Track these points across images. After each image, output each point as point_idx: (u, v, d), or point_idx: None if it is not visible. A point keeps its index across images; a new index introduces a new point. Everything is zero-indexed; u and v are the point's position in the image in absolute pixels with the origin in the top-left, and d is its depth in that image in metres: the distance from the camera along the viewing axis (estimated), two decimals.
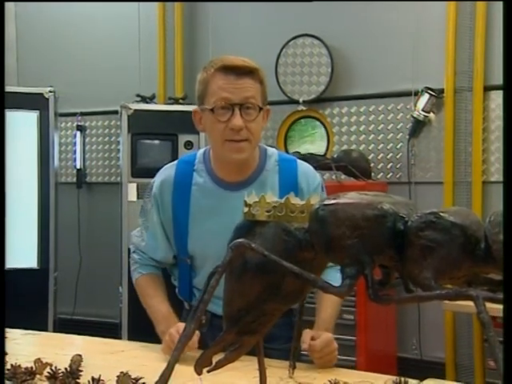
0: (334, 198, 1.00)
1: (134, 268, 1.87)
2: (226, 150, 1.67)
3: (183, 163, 1.80)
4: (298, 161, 1.81)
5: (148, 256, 1.84)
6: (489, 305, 0.83)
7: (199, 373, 1.10)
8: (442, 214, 0.90)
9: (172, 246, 1.82)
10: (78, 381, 1.33)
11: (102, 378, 1.28)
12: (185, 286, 1.81)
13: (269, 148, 1.81)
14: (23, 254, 3.84)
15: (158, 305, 1.78)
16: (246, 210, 1.07)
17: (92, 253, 4.57)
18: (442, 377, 3.36)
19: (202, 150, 1.81)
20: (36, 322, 3.30)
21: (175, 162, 1.83)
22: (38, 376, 1.35)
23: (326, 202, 1.00)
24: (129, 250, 2.08)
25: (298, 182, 1.74)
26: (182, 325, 1.64)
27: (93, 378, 1.26)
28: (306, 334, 1.61)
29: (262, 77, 1.68)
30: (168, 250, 1.82)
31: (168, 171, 1.80)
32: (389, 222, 0.94)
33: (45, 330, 3.56)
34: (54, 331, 3.68)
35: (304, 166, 1.79)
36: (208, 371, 1.11)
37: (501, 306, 0.86)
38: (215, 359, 1.11)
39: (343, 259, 0.98)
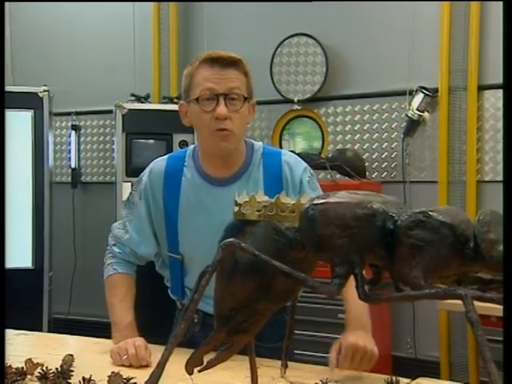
0: (324, 198, 1.00)
1: (110, 262, 1.83)
2: (212, 140, 1.66)
3: (174, 158, 1.79)
4: (283, 152, 1.79)
5: (129, 250, 1.81)
6: (479, 304, 0.83)
7: (190, 372, 1.10)
8: (431, 213, 0.90)
9: (160, 241, 1.79)
10: (69, 381, 1.32)
11: (93, 377, 1.27)
12: (177, 285, 1.80)
13: (255, 142, 1.79)
14: (18, 253, 3.83)
15: (124, 312, 1.76)
16: (236, 209, 1.07)
17: (87, 252, 4.56)
18: (437, 376, 3.36)
19: (191, 146, 1.80)
20: (31, 322, 3.29)
21: (165, 157, 1.82)
22: (28, 376, 1.35)
23: (315, 202, 1.00)
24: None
25: (281, 176, 1.73)
26: (139, 339, 1.63)
27: (83, 378, 1.26)
28: (332, 350, 1.54)
29: (247, 69, 1.68)
30: (152, 245, 1.80)
31: (158, 164, 1.79)
32: (378, 221, 0.94)
33: (39, 329, 3.55)
34: (49, 331, 3.67)
35: (287, 157, 1.76)
36: (199, 371, 1.11)
37: (490, 305, 0.86)
38: (206, 359, 1.11)
39: (333, 258, 0.98)
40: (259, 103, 1.75)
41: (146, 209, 1.77)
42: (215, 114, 1.62)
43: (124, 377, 1.29)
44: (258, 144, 1.79)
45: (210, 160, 1.73)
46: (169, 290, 1.85)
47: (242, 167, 1.73)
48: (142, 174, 1.81)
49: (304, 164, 1.77)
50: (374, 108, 3.80)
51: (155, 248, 1.81)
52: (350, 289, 1.60)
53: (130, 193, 1.84)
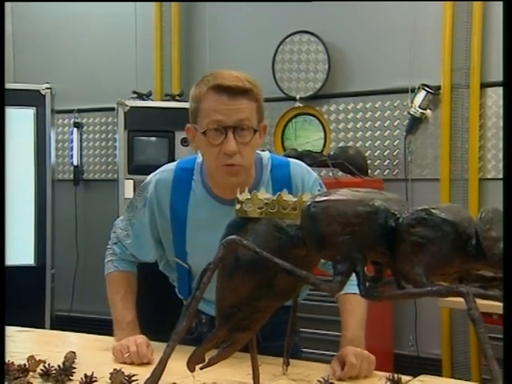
0: (326, 195, 1.00)
1: (111, 259, 1.83)
2: (220, 174, 1.62)
3: (182, 171, 1.74)
4: (291, 163, 1.73)
5: (129, 253, 1.81)
6: (481, 301, 0.83)
7: (192, 370, 1.10)
8: (433, 210, 0.90)
9: (166, 248, 1.77)
10: (71, 378, 1.32)
11: (95, 374, 1.27)
12: (184, 288, 1.78)
13: (263, 156, 1.73)
14: (20, 251, 3.84)
15: (125, 310, 1.76)
16: (238, 206, 1.08)
17: (89, 250, 4.56)
18: (439, 373, 3.36)
19: (199, 160, 1.72)
20: (33, 319, 3.31)
21: (172, 166, 1.76)
22: (31, 373, 1.35)
23: (317, 199, 1.00)
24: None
25: (291, 189, 1.65)
26: (141, 337, 1.63)
27: (85, 375, 1.26)
28: (333, 363, 1.51)
29: (258, 93, 1.60)
30: (152, 252, 1.78)
31: (166, 175, 1.73)
32: (380, 218, 0.94)
33: (42, 327, 3.56)
34: (51, 328, 3.67)
35: (297, 169, 1.72)
36: (201, 368, 1.11)
37: (492, 303, 0.86)
38: (208, 356, 1.11)
39: (335, 256, 0.98)
40: None
41: (149, 217, 1.74)
42: (223, 150, 1.56)
43: (126, 374, 1.29)
44: (266, 157, 1.73)
45: (218, 185, 1.68)
46: (176, 290, 1.84)
47: (251, 187, 1.62)
48: (148, 181, 1.76)
49: (314, 175, 1.73)
50: (376, 105, 3.79)
51: (155, 254, 1.80)
52: (348, 300, 1.62)
53: (135, 197, 1.81)
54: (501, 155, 3.43)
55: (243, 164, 1.59)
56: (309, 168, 1.75)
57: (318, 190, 1.70)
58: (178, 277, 1.80)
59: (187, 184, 1.71)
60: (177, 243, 1.73)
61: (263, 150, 1.80)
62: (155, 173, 1.77)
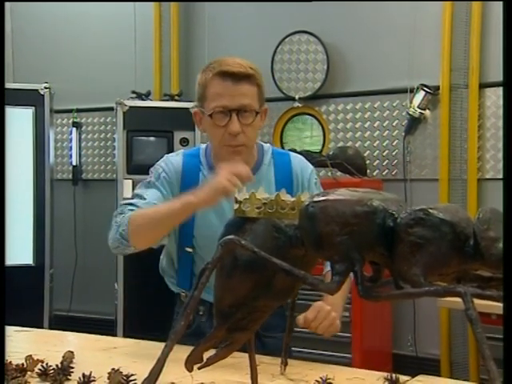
0: (324, 195, 1.00)
1: (122, 217, 1.68)
2: (225, 154, 1.73)
3: (189, 156, 1.83)
4: (291, 153, 1.88)
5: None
6: (479, 302, 0.83)
7: (190, 369, 1.10)
8: (430, 210, 0.90)
9: (170, 235, 1.79)
10: (69, 377, 1.32)
11: (93, 374, 1.27)
12: (185, 276, 1.81)
13: (264, 144, 1.88)
14: (19, 250, 3.84)
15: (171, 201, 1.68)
16: (236, 206, 1.07)
17: (88, 249, 4.57)
18: (437, 373, 3.36)
19: (203, 146, 1.86)
20: (32, 319, 3.30)
21: (179, 152, 1.85)
22: (29, 373, 1.35)
23: (315, 199, 1.00)
24: None
25: (292, 174, 1.81)
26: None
27: (83, 375, 1.26)
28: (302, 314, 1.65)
29: (260, 79, 1.73)
30: None
31: (175, 159, 1.81)
32: (378, 218, 0.94)
33: (40, 326, 3.56)
34: (50, 328, 3.67)
35: (297, 158, 1.86)
36: (199, 368, 1.11)
37: (490, 303, 0.86)
38: (206, 356, 1.11)
39: (333, 256, 0.98)
40: None
41: (163, 190, 1.75)
42: (228, 130, 1.69)
43: (124, 374, 1.29)
44: (267, 145, 1.87)
45: (223, 163, 1.74)
46: (168, 281, 1.86)
47: (254, 167, 1.78)
48: (157, 164, 1.79)
49: (311, 166, 1.87)
50: (375, 106, 3.79)
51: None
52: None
53: (147, 180, 1.79)
54: (499, 155, 3.43)
55: (246, 143, 1.73)
56: (305, 160, 1.89)
57: (315, 179, 1.84)
58: (180, 265, 1.82)
59: (196, 168, 1.81)
60: (185, 226, 1.76)
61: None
62: (164, 159, 1.82)
